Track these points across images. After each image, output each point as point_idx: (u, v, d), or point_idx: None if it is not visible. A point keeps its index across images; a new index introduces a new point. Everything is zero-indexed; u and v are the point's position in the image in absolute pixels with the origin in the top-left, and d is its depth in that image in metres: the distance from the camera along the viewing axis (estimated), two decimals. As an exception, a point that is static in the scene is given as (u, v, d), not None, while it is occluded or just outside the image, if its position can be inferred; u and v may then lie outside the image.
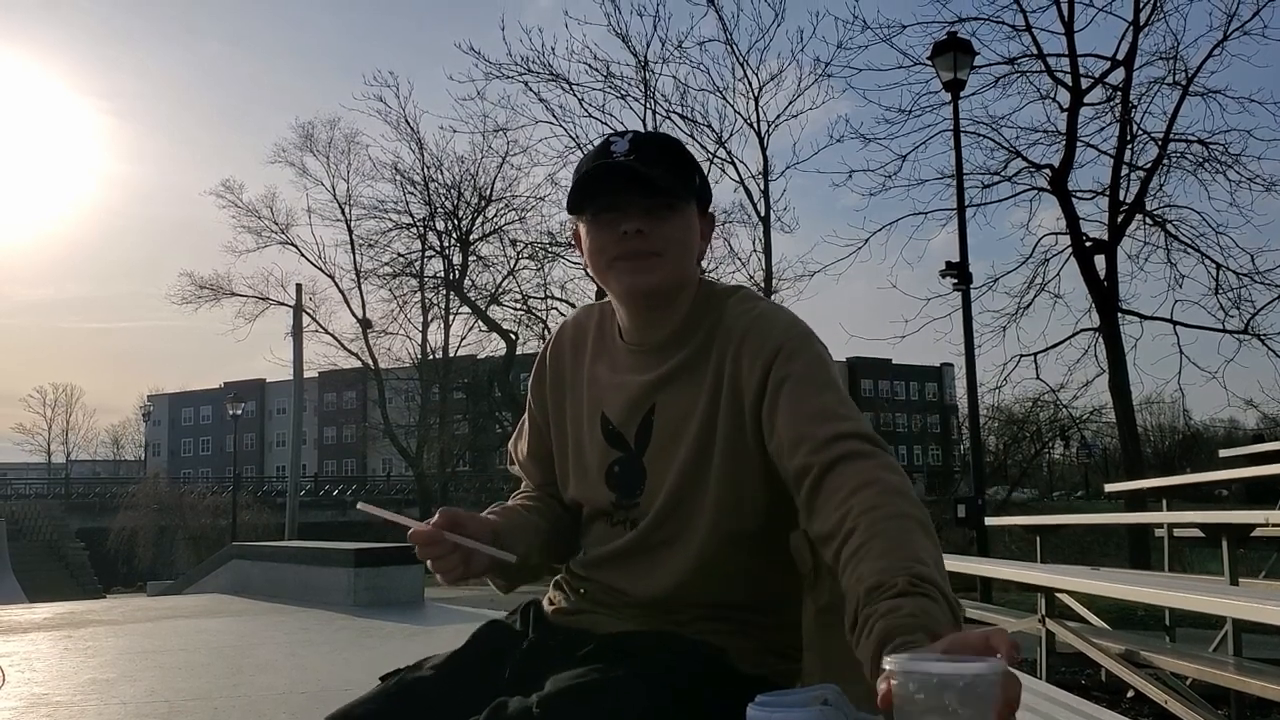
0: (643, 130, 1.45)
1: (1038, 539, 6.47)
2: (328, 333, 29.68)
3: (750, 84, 18.32)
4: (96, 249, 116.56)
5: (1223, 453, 9.32)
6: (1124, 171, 13.67)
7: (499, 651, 1.32)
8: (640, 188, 1.30)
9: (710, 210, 1.42)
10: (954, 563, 4.43)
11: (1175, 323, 13.74)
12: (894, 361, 63.47)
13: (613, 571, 1.37)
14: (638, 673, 1.18)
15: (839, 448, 1.18)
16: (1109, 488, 11.47)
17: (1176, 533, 5.53)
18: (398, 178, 26.25)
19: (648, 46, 18.46)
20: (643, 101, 18.76)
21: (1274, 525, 4.14)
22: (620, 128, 19.10)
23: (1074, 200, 13.74)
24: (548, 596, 1.47)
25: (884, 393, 66.62)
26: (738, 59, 18.17)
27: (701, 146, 18.72)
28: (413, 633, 6.11)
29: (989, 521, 10.18)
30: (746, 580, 1.32)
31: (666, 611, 1.33)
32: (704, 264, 1.52)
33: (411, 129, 27.58)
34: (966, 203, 12.70)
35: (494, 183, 25.17)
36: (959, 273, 11.79)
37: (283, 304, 29.17)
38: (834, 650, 1.13)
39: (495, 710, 1.11)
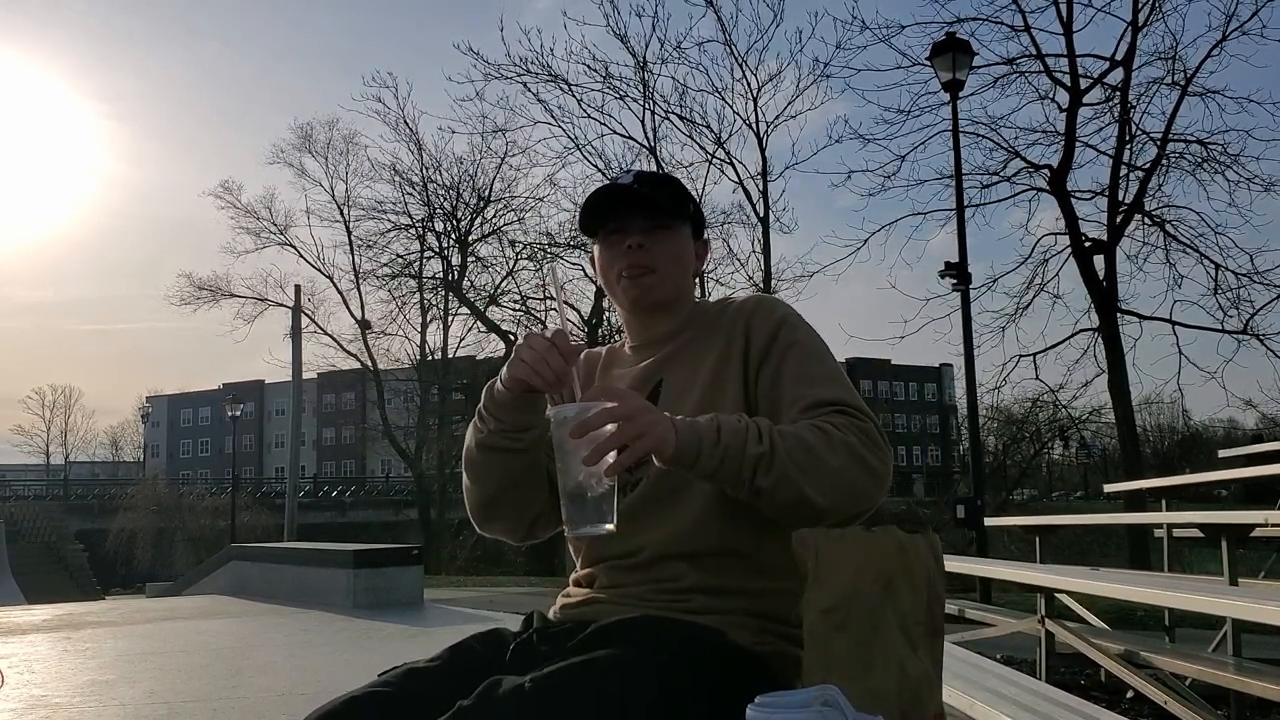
0: (645, 169, 1.65)
1: (1037, 539, 6.47)
2: (326, 334, 29.66)
3: (749, 85, 18.31)
4: (96, 250, 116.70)
5: (1222, 453, 9.31)
6: (1123, 172, 13.66)
7: (500, 646, 1.34)
8: (641, 209, 1.52)
9: (705, 237, 1.64)
10: (953, 563, 4.42)
11: (1174, 323, 13.73)
12: (893, 362, 63.44)
13: (623, 533, 1.37)
14: (636, 655, 1.19)
15: (829, 408, 1.36)
16: (1108, 488, 11.46)
17: (1176, 533, 5.52)
18: (396, 179, 26.15)
19: (646, 47, 18.43)
20: (641, 102, 18.75)
21: (1273, 525, 4.14)
22: (619, 128, 19.18)
23: (1073, 200, 13.73)
24: (551, 608, 1.49)
25: (883, 393, 66.65)
26: (736, 60, 18.15)
27: (700, 147, 18.76)
28: (412, 634, 6.11)
29: (988, 522, 10.17)
30: (750, 529, 1.37)
31: (675, 573, 1.37)
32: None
33: (410, 130, 27.37)
34: (965, 203, 12.68)
35: (492, 183, 25.08)
36: (958, 273, 11.79)
37: (281, 305, 29.15)
38: (835, 651, 1.13)
39: (488, 688, 1.12)
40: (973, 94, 13.68)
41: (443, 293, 26.52)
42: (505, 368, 1.38)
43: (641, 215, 1.52)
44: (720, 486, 1.30)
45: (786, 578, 1.33)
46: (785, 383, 1.41)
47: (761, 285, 17.77)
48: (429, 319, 27.90)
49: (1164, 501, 6.07)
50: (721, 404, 1.42)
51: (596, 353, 1.66)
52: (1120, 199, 13.64)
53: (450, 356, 27.85)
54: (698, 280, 1.67)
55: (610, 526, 1.26)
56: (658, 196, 1.52)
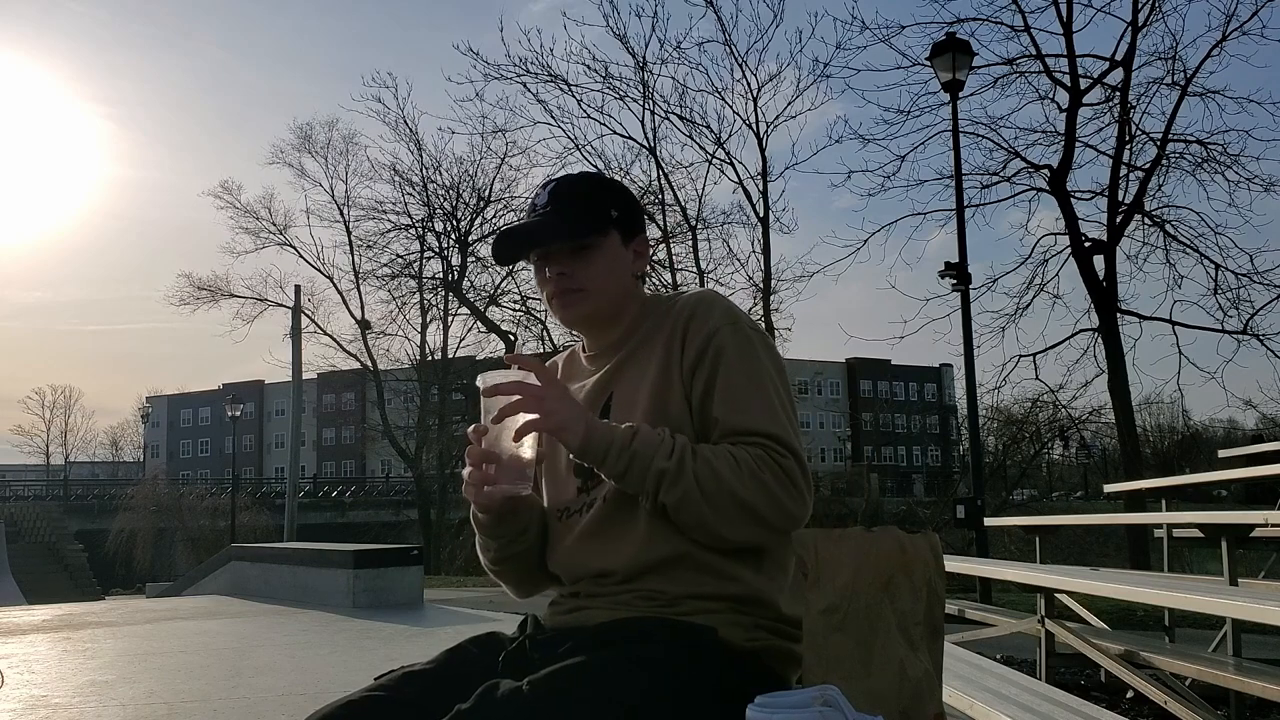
0: (563, 175, 1.55)
1: (1037, 539, 6.47)
2: (326, 334, 29.58)
3: (749, 85, 18.25)
4: (95, 252, 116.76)
5: (1222, 453, 9.31)
6: (1123, 172, 13.64)
7: (497, 650, 1.34)
8: (556, 234, 1.45)
9: (643, 231, 1.56)
10: (953, 563, 4.42)
11: (1174, 323, 13.71)
12: (893, 362, 63.47)
13: (589, 554, 1.40)
14: (631, 656, 1.20)
15: (750, 440, 1.32)
16: (1108, 488, 11.46)
17: (1176, 533, 5.52)
18: (396, 179, 26.12)
19: (646, 47, 18.40)
20: (641, 102, 18.71)
21: (1273, 525, 4.14)
22: (619, 129, 19.16)
23: (1073, 201, 13.71)
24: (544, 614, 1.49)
25: (883, 393, 66.64)
26: (736, 60, 18.10)
27: (700, 147, 18.70)
28: (412, 634, 6.10)
29: (988, 522, 10.17)
30: None
31: (655, 588, 1.36)
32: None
33: (410, 130, 27.40)
34: (965, 203, 12.67)
35: (492, 184, 25.07)
36: (958, 273, 11.78)
37: (281, 305, 29.09)
38: (834, 651, 1.13)
39: (486, 691, 1.12)
40: (973, 94, 13.68)
41: (443, 293, 26.51)
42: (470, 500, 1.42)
43: (561, 238, 1.46)
44: (633, 494, 1.34)
45: (771, 571, 1.35)
46: (713, 402, 1.38)
47: (761, 285, 17.78)
48: (429, 319, 27.86)
49: (1164, 501, 6.07)
50: (667, 415, 1.39)
51: (554, 361, 1.66)
52: (1120, 199, 13.63)
53: (450, 356, 27.82)
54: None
55: (525, 490, 1.38)
56: (571, 219, 1.44)
